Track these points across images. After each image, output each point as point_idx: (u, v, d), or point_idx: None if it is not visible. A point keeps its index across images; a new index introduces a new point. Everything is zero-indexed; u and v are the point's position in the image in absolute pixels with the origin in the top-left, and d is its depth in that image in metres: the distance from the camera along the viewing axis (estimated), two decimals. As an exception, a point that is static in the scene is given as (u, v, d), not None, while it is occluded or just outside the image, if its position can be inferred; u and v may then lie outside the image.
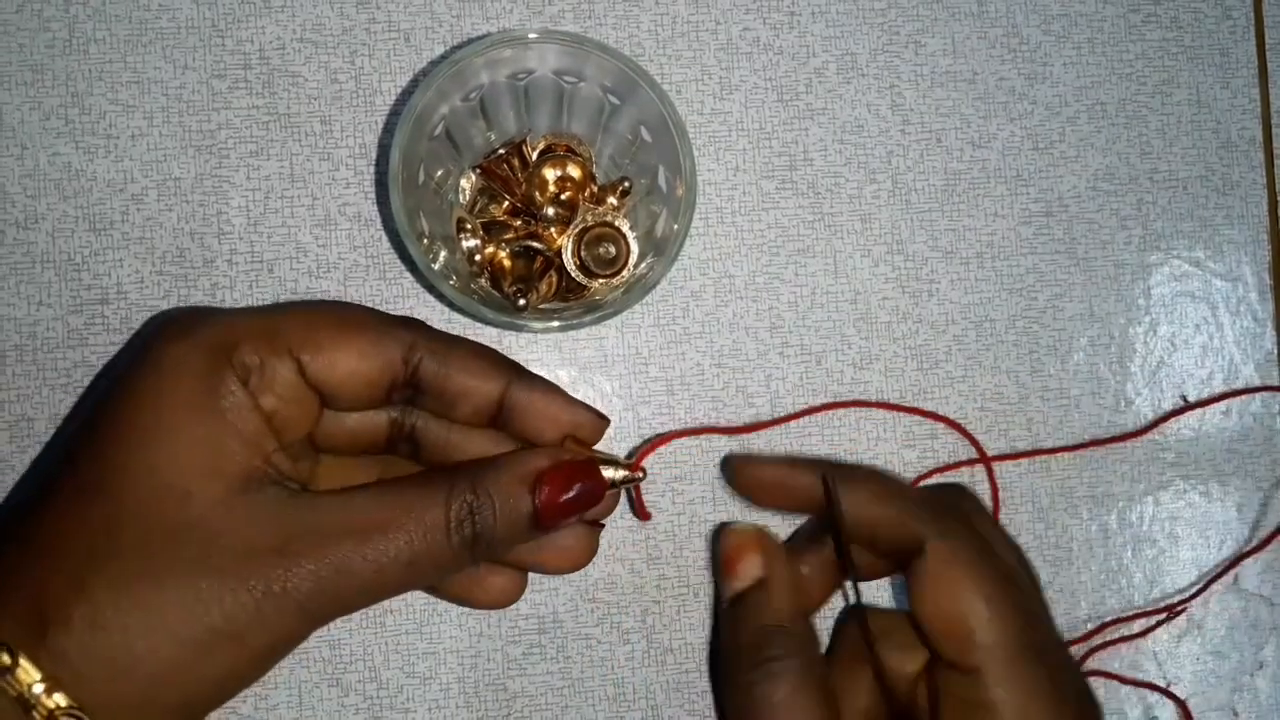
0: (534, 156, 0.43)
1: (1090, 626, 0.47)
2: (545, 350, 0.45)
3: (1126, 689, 0.47)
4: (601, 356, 0.46)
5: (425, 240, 0.40)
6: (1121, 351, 0.48)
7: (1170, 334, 0.49)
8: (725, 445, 0.46)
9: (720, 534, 0.38)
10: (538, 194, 0.43)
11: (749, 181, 0.47)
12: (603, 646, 0.45)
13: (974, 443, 0.47)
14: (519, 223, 0.43)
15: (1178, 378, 0.49)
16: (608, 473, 0.36)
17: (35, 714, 0.30)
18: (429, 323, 0.44)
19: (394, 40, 0.45)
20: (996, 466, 0.47)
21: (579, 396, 0.45)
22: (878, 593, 0.45)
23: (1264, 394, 0.49)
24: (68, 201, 0.44)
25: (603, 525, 0.39)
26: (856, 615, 0.39)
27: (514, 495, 0.34)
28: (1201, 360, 0.49)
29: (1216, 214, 0.49)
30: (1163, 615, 0.47)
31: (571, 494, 0.35)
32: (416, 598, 0.44)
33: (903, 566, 0.37)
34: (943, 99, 0.48)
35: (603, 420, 0.38)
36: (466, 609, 0.44)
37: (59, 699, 0.30)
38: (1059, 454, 0.47)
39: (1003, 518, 0.47)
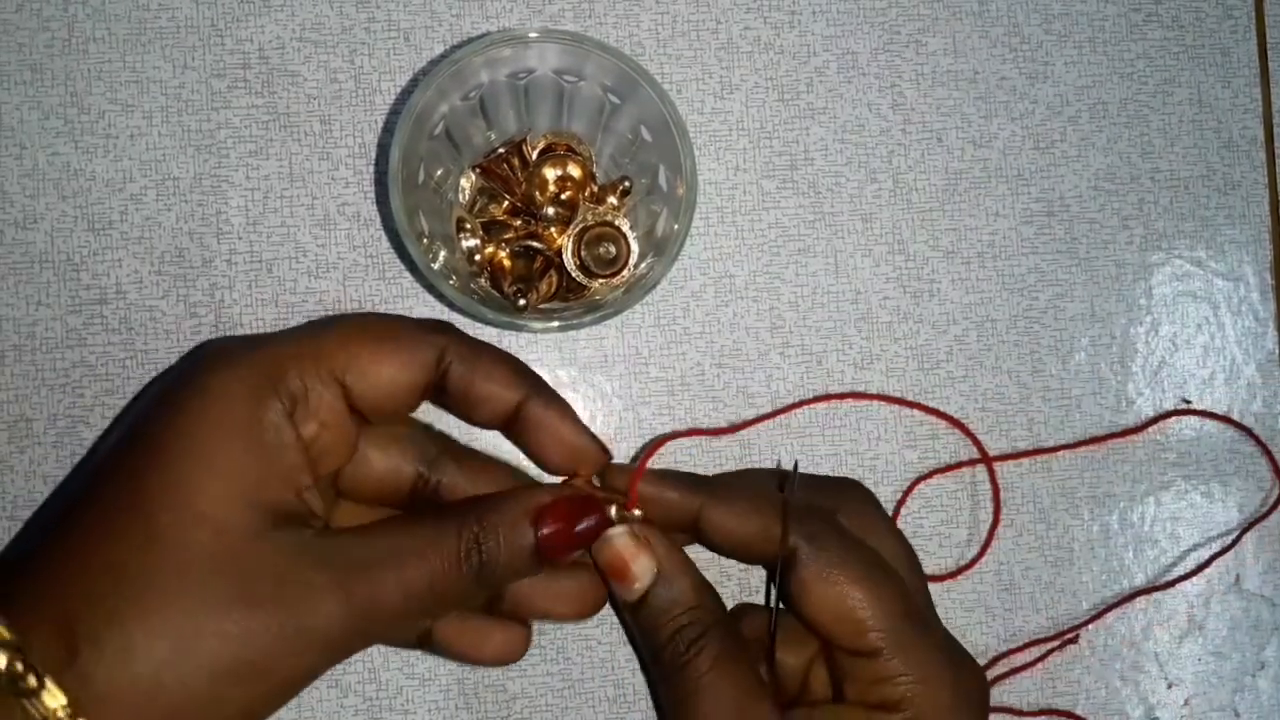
0: (534, 156, 0.43)
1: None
2: (545, 350, 0.45)
3: (1127, 690, 0.47)
4: (601, 356, 0.46)
5: (425, 240, 0.40)
6: (1123, 351, 0.48)
7: (1172, 334, 0.49)
8: (723, 446, 0.46)
9: (598, 547, 0.38)
10: (538, 193, 0.43)
11: (749, 181, 0.47)
12: (603, 648, 0.45)
13: (975, 442, 0.47)
14: (519, 222, 0.43)
15: (1179, 378, 0.48)
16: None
17: None
18: (429, 322, 0.44)
19: (393, 40, 0.45)
20: (998, 467, 0.47)
21: (579, 396, 0.45)
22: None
23: (1263, 394, 0.49)
24: (66, 201, 0.43)
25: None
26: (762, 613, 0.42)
27: (517, 527, 0.35)
28: (1203, 360, 0.49)
29: (1218, 214, 0.49)
30: (1054, 644, 0.47)
31: (574, 527, 0.36)
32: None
33: (781, 574, 0.38)
34: (944, 98, 0.48)
35: (605, 453, 0.38)
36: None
37: None
38: (1060, 453, 0.47)
39: (1004, 518, 0.47)
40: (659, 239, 0.41)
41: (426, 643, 0.38)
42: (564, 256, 0.42)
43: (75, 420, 0.43)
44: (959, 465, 0.47)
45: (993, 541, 0.47)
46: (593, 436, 0.38)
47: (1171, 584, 0.48)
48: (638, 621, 0.39)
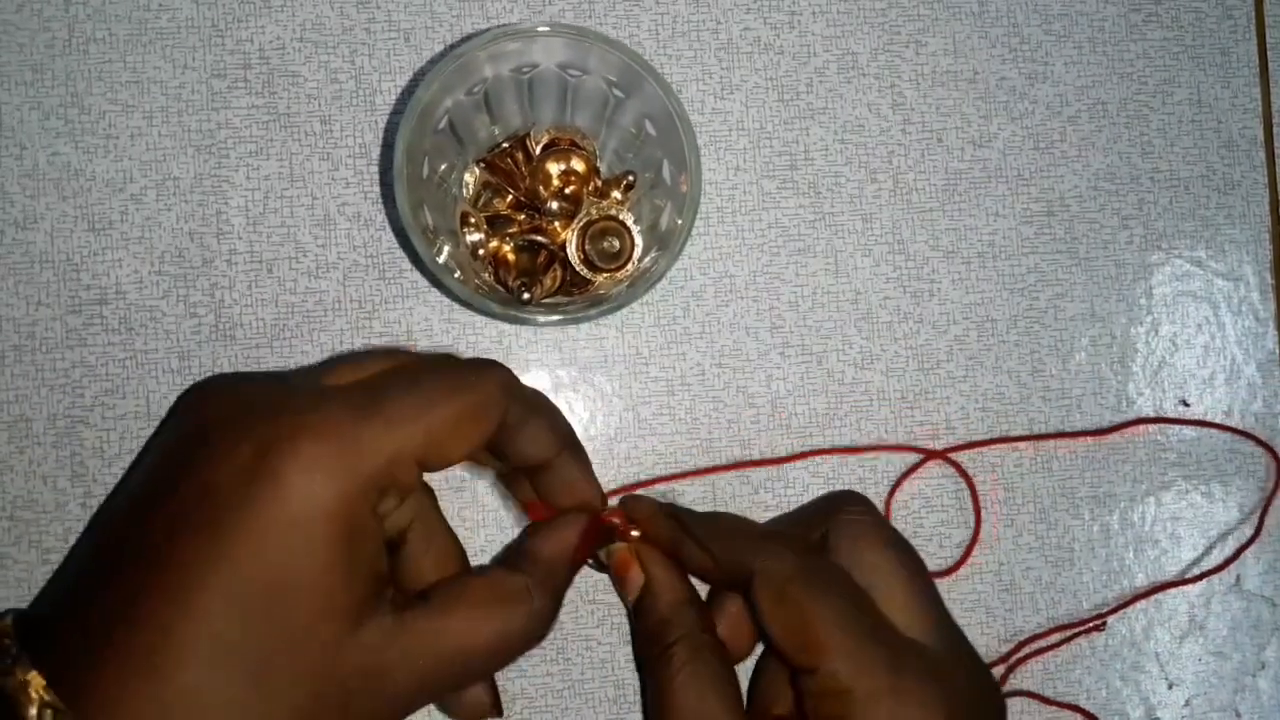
0: (538, 150, 0.43)
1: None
2: (546, 350, 0.45)
3: (1128, 690, 0.47)
4: (601, 356, 0.46)
5: (429, 235, 0.40)
6: (1123, 351, 0.48)
7: (1172, 334, 0.49)
8: (722, 450, 0.46)
9: (609, 554, 0.41)
10: (542, 188, 0.43)
11: (749, 181, 0.47)
12: (603, 648, 0.45)
13: (922, 451, 0.47)
14: (523, 217, 0.43)
15: (1179, 378, 0.49)
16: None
17: None
18: (430, 321, 0.45)
19: (394, 39, 0.45)
20: (999, 467, 0.47)
21: (579, 396, 0.45)
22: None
23: (1263, 394, 0.49)
24: (67, 201, 0.43)
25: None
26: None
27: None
28: (1203, 360, 0.49)
29: (1218, 213, 0.49)
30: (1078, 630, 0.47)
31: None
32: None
33: (744, 593, 0.39)
34: (943, 98, 0.48)
35: (604, 500, 0.41)
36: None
37: None
38: (1018, 444, 0.47)
39: (1005, 518, 0.47)
40: (662, 233, 0.42)
41: None
42: (568, 251, 0.42)
43: (75, 420, 0.43)
44: (917, 465, 0.47)
45: (979, 537, 0.47)
46: (599, 486, 0.40)
47: (1183, 582, 0.48)
48: (632, 618, 0.42)
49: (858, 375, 0.47)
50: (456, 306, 0.45)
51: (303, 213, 0.44)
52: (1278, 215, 0.50)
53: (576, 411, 0.45)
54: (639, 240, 0.42)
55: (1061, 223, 0.48)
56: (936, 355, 0.47)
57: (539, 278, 0.43)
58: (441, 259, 0.40)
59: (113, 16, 0.44)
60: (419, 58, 0.45)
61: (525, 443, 0.37)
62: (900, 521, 0.46)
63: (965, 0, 0.48)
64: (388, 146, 0.45)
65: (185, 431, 0.35)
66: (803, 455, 0.46)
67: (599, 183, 0.44)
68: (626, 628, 0.45)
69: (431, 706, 0.40)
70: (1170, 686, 0.48)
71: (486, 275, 0.43)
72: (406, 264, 0.45)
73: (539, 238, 0.43)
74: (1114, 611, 0.47)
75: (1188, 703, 0.48)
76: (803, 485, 0.46)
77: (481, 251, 0.43)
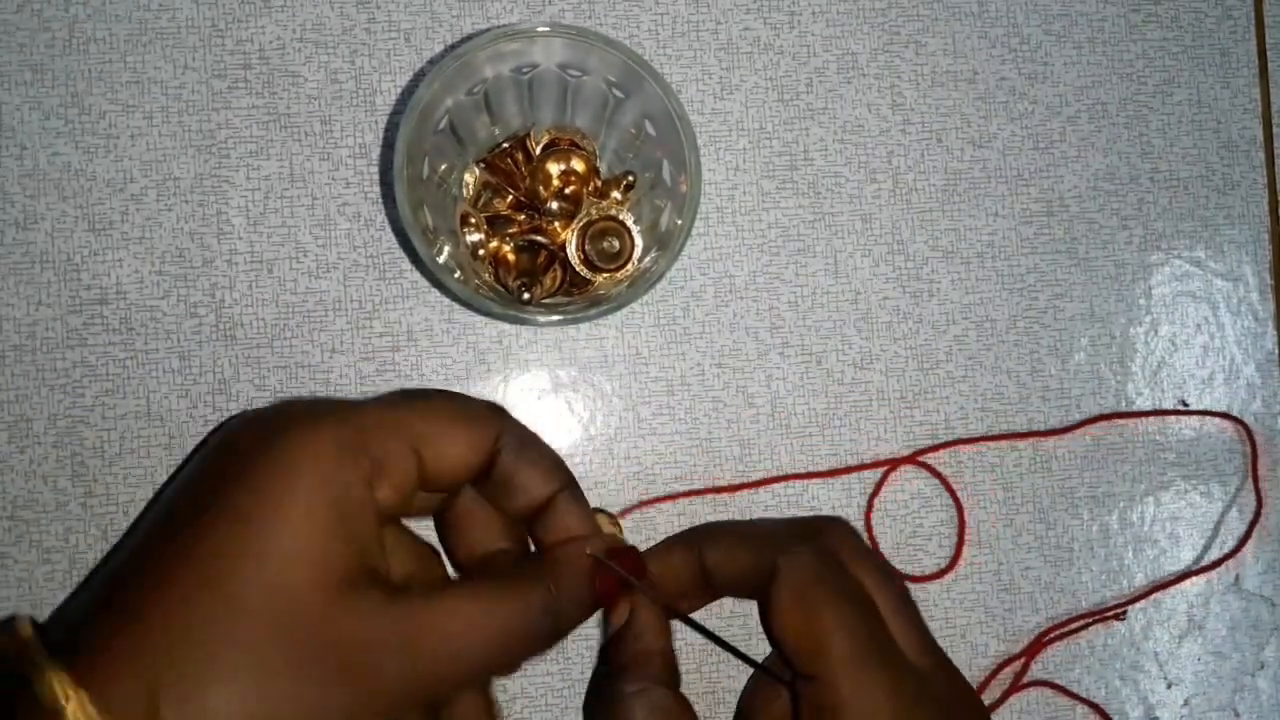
0: (538, 150, 0.43)
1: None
2: (546, 350, 0.45)
3: (1127, 690, 0.47)
4: (601, 356, 0.46)
5: (429, 234, 0.40)
6: (1122, 351, 0.48)
7: (1171, 334, 0.49)
8: (721, 450, 0.46)
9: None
10: (542, 188, 0.43)
11: (749, 181, 0.47)
12: (603, 647, 0.45)
13: (885, 463, 0.47)
14: (523, 217, 0.43)
15: (1179, 378, 0.49)
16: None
17: None
18: (430, 321, 0.45)
19: (394, 40, 0.45)
20: (1000, 468, 0.47)
21: (579, 396, 0.45)
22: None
23: (1262, 394, 0.49)
24: (67, 201, 0.43)
25: None
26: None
27: (582, 586, 0.37)
28: (1202, 360, 0.49)
29: (1217, 214, 0.49)
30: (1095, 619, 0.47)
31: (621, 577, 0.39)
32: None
33: (760, 591, 0.39)
34: (943, 98, 0.48)
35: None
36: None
37: None
38: (981, 444, 0.47)
39: (1005, 518, 0.47)
40: (662, 233, 0.42)
41: None
42: (568, 250, 0.42)
43: (75, 420, 0.43)
44: (884, 478, 0.47)
45: (965, 534, 0.47)
46: (597, 526, 0.40)
47: (1190, 575, 0.48)
48: (608, 645, 0.42)
49: (857, 375, 0.47)
50: (456, 306, 0.45)
51: (303, 213, 0.45)
52: (1277, 215, 0.50)
53: (576, 411, 0.45)
54: (639, 240, 0.42)
55: (1061, 223, 0.48)
56: (936, 355, 0.47)
57: (539, 278, 0.43)
58: (441, 259, 0.40)
59: (113, 16, 0.44)
60: (419, 58, 0.46)
61: (527, 468, 0.37)
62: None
63: (965, 0, 0.48)
64: (388, 146, 0.45)
65: (204, 454, 0.36)
66: (765, 482, 0.46)
67: (599, 183, 0.44)
68: (626, 627, 0.45)
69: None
70: (1169, 686, 0.48)
71: (486, 275, 0.43)
72: (406, 264, 0.45)
73: (539, 238, 0.43)
74: (1134, 601, 0.47)
75: (1187, 702, 0.48)
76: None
77: (481, 251, 0.43)
